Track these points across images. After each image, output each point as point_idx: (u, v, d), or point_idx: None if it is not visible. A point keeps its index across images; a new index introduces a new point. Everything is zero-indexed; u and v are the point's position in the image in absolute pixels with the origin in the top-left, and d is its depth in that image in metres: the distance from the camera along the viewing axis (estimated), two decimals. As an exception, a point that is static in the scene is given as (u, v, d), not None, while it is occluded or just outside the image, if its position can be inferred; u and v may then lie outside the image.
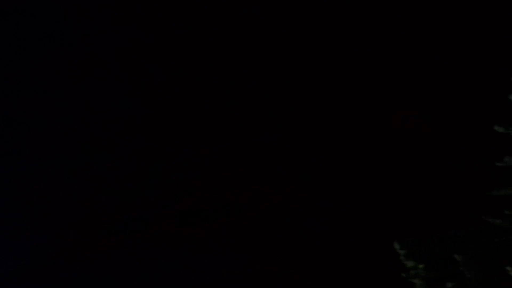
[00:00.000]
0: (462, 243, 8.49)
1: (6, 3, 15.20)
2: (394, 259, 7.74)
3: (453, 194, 13.15)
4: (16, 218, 15.00)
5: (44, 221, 15.04)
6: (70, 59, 15.45)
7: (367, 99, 14.68)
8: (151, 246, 14.60)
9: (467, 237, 9.21)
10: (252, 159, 14.94)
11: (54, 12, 15.25)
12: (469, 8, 14.43)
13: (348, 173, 14.27)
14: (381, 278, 12.26)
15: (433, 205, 13.42)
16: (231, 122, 15.12)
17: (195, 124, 15.28)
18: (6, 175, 14.97)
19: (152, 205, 15.01)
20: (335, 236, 13.90)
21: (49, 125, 15.34)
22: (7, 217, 14.96)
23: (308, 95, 15.00)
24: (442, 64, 14.42)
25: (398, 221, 13.38)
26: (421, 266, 6.78)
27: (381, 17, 14.72)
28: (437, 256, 7.03)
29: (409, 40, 14.69)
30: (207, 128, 15.18)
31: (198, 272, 14.06)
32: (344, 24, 14.98)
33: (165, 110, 15.30)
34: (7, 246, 14.64)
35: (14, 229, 14.92)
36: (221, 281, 13.86)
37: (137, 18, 15.44)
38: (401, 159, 14.47)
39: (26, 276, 14.20)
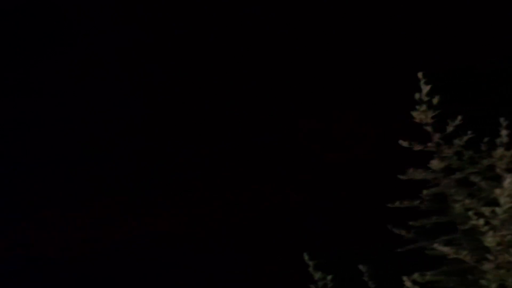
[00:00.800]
0: (369, 253, 8.74)
1: (6, 3, 15.25)
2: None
3: (361, 205, 13.34)
4: (16, 218, 15.04)
5: (44, 220, 15.07)
6: (70, 59, 15.49)
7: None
8: (151, 246, 14.62)
9: (373, 248, 9.45)
10: (252, 159, 14.96)
11: (54, 12, 15.30)
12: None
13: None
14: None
15: (340, 216, 13.59)
16: (231, 122, 15.15)
17: (195, 124, 15.30)
18: (6, 175, 15.01)
19: (151, 205, 15.04)
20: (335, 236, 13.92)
21: (49, 125, 15.39)
22: (7, 217, 14.99)
23: (308, 95, 15.02)
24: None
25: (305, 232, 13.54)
26: (329, 277, 6.93)
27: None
28: (344, 267, 7.21)
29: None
30: (207, 128, 15.21)
31: (198, 272, 14.07)
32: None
33: (165, 110, 15.34)
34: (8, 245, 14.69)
35: (14, 229, 14.95)
36: (221, 281, 13.87)
37: (137, 18, 15.48)
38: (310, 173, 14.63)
39: (26, 276, 14.24)
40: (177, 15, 15.35)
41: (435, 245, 6.67)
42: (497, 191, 6.37)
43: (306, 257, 7.12)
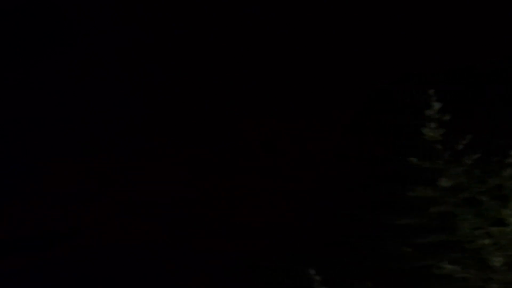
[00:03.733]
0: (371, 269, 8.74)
1: (6, 3, 15.27)
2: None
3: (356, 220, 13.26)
4: (16, 218, 15.05)
5: (44, 220, 15.08)
6: (70, 59, 15.53)
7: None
8: (152, 246, 14.62)
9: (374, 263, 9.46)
10: (252, 158, 14.97)
11: (54, 12, 15.34)
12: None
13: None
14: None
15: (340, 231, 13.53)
16: (231, 122, 15.17)
17: (195, 124, 15.32)
18: (5, 176, 15.01)
19: (151, 205, 15.04)
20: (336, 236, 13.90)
21: (48, 125, 15.41)
22: (7, 217, 15.01)
23: (308, 94, 15.04)
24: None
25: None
26: None
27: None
28: (350, 282, 7.14)
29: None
30: (207, 128, 15.23)
31: (198, 272, 14.07)
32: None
33: (165, 110, 15.35)
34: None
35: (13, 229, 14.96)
36: (220, 281, 13.87)
37: (137, 18, 15.51)
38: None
39: (26, 276, 14.24)
40: (177, 15, 15.38)
41: (442, 264, 6.63)
42: (504, 211, 6.39)
43: (312, 271, 7.01)
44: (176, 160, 15.30)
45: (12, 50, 15.37)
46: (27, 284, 14.31)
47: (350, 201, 13.37)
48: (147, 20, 15.53)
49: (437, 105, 6.86)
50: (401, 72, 14.62)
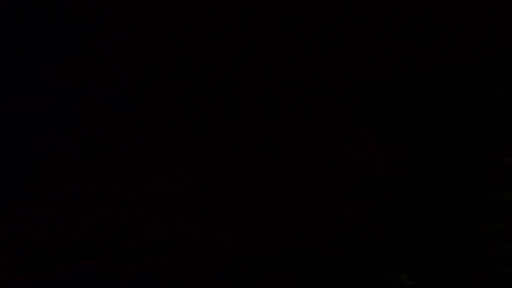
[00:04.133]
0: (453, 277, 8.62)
1: (6, 3, 15.27)
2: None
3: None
4: (17, 218, 15.01)
5: (45, 221, 15.06)
6: (70, 59, 15.52)
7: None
8: (152, 246, 14.58)
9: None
10: (252, 158, 14.95)
11: (54, 12, 15.33)
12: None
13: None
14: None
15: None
16: (231, 122, 15.15)
17: (195, 124, 15.31)
18: (5, 176, 15.00)
19: (151, 205, 15.00)
20: (336, 236, 13.86)
21: (48, 125, 15.40)
22: (8, 218, 14.98)
23: (308, 94, 15.04)
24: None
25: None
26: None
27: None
28: None
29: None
30: (207, 128, 15.21)
31: (198, 272, 14.04)
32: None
33: (165, 110, 15.35)
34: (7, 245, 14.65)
35: (13, 228, 14.91)
36: (221, 281, 13.84)
37: (137, 18, 15.50)
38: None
39: (27, 276, 14.20)
40: (177, 15, 15.37)
41: None
42: None
43: (404, 277, 6.86)
44: (176, 160, 15.28)
45: (12, 50, 15.39)
46: (27, 284, 14.28)
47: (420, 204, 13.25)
48: (147, 20, 15.55)
49: None
50: (401, 72, 14.60)
